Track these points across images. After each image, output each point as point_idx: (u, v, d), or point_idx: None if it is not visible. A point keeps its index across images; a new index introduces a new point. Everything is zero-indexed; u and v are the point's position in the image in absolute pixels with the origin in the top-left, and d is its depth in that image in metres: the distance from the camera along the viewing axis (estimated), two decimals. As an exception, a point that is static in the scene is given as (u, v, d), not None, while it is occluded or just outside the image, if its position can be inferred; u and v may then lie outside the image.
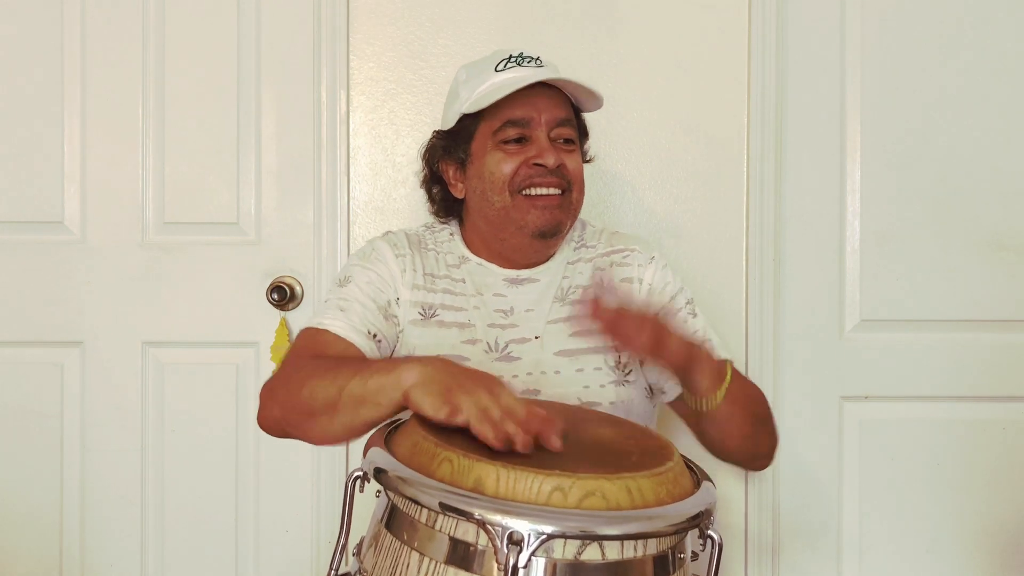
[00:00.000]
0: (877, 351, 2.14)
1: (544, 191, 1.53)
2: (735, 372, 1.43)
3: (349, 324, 1.48)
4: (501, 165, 1.53)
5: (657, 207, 2.13)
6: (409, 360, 1.25)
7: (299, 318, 2.13)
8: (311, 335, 1.49)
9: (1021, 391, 2.13)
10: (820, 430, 2.14)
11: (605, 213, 2.12)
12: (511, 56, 1.57)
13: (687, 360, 1.33)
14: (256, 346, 2.15)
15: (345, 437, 1.32)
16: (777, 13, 2.10)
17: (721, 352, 1.60)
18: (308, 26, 2.13)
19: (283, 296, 2.09)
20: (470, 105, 1.55)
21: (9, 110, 2.14)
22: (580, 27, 2.12)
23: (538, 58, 1.58)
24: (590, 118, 2.08)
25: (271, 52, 2.14)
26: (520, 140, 1.54)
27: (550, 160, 1.51)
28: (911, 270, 2.12)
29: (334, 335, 1.47)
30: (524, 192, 1.53)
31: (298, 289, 2.13)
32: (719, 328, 1.99)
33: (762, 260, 2.11)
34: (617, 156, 2.12)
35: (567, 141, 1.57)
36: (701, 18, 2.13)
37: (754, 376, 2.10)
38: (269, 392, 1.42)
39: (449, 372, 1.20)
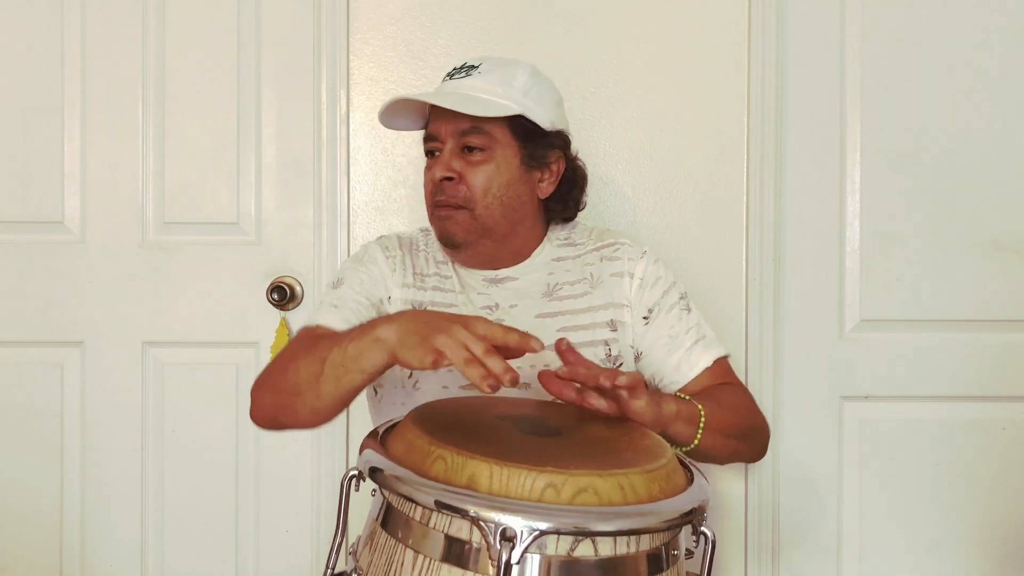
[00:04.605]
0: (877, 351, 2.13)
1: (439, 205, 1.58)
2: (710, 408, 1.43)
3: (343, 318, 1.51)
4: (425, 180, 1.61)
5: (657, 207, 2.13)
6: (380, 320, 1.29)
7: (299, 318, 2.13)
8: (305, 332, 1.53)
9: (1021, 391, 2.13)
10: (820, 430, 2.14)
11: (605, 213, 2.12)
12: (455, 67, 1.61)
13: (656, 422, 1.32)
14: (256, 346, 2.15)
15: (333, 409, 1.35)
16: (777, 13, 2.10)
17: (715, 348, 1.62)
18: (308, 26, 2.14)
19: (283, 296, 2.09)
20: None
21: (9, 110, 2.15)
22: (580, 27, 2.12)
23: (477, 65, 1.59)
24: (588, 117, 2.10)
25: (271, 52, 2.15)
26: (434, 152, 1.59)
27: (436, 174, 1.56)
28: (911, 270, 2.12)
29: (327, 328, 1.49)
30: (434, 207, 1.59)
31: (298, 289, 2.13)
32: (719, 329, 1.98)
33: (762, 260, 2.11)
34: (616, 156, 2.12)
35: (471, 149, 1.56)
36: (701, 18, 2.13)
37: (754, 376, 2.10)
38: (259, 384, 1.47)
39: (423, 321, 1.24)
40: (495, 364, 1.14)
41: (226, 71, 2.15)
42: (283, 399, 1.39)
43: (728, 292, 2.13)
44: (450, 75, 1.60)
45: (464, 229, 1.56)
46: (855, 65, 2.13)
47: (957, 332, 2.13)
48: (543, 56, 2.07)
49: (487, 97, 1.55)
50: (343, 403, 1.35)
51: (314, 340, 1.39)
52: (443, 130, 1.56)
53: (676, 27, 2.12)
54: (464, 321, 1.20)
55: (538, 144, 1.60)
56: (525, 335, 1.19)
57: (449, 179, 1.55)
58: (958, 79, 2.12)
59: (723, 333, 2.04)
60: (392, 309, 1.59)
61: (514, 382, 1.13)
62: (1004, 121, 2.12)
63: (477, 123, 1.54)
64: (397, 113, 1.60)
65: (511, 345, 1.18)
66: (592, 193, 2.08)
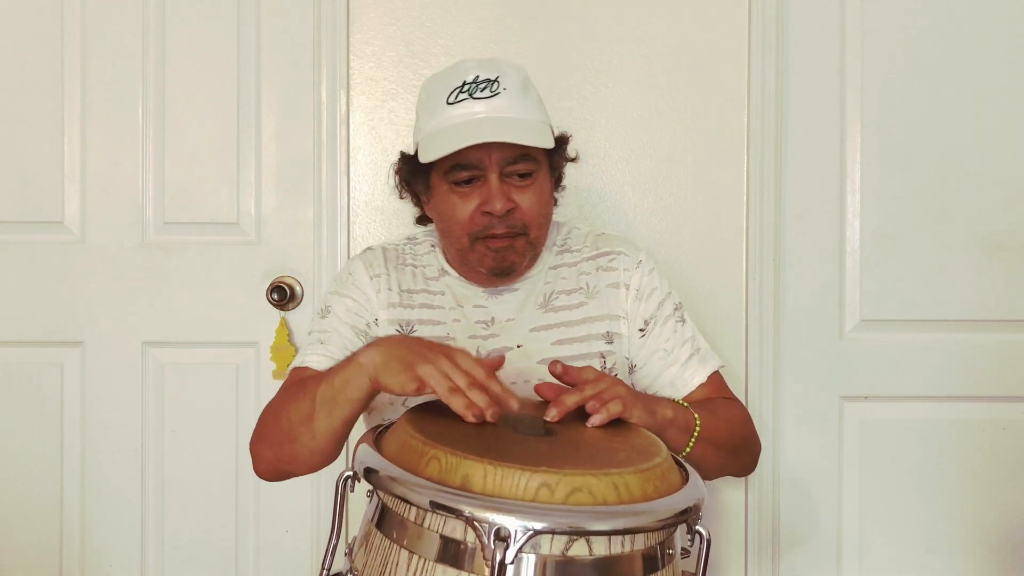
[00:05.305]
0: (877, 351, 2.13)
1: (496, 237, 1.49)
2: (706, 417, 1.43)
3: (327, 355, 1.52)
4: (456, 210, 1.50)
5: (657, 207, 2.13)
6: (363, 347, 1.33)
7: (299, 318, 2.13)
8: (294, 375, 1.54)
9: (1021, 391, 2.12)
10: (820, 430, 2.13)
11: (605, 214, 2.12)
12: (464, 83, 1.48)
13: (652, 429, 1.32)
14: (256, 346, 2.15)
15: (332, 445, 1.39)
16: (777, 13, 2.10)
17: (710, 361, 1.62)
18: (308, 26, 2.14)
19: (283, 296, 2.09)
20: (420, 150, 1.51)
21: (9, 110, 2.15)
22: (579, 27, 2.12)
23: (496, 79, 1.48)
24: (588, 117, 2.10)
25: (271, 52, 2.15)
26: (471, 180, 1.48)
27: (497, 206, 1.46)
28: (911, 270, 2.12)
29: (314, 371, 1.51)
30: (481, 239, 1.50)
31: (298, 289, 2.13)
32: (719, 329, 1.99)
33: (762, 260, 2.10)
34: (616, 156, 2.12)
35: (522, 176, 1.50)
36: (701, 18, 2.12)
37: (754, 377, 2.10)
38: (256, 439, 1.49)
39: (407, 347, 1.27)
40: (478, 397, 1.18)
41: (226, 71, 2.15)
42: (281, 448, 1.42)
43: (728, 292, 2.13)
44: (470, 93, 1.47)
45: (521, 256, 1.53)
46: (855, 65, 2.12)
47: (957, 332, 2.13)
48: (544, 56, 2.08)
49: (529, 118, 1.49)
50: (339, 438, 1.38)
51: (302, 382, 1.43)
52: (487, 159, 1.46)
53: (676, 27, 2.12)
54: (448, 352, 1.25)
55: (559, 154, 1.59)
56: (506, 391, 1.23)
57: (510, 210, 1.48)
58: (958, 79, 2.12)
59: (723, 334, 2.06)
60: (380, 331, 1.58)
61: (495, 417, 1.18)
62: (1004, 121, 2.12)
63: (525, 150, 1.48)
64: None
65: (491, 392, 1.21)
66: (592, 193, 2.09)
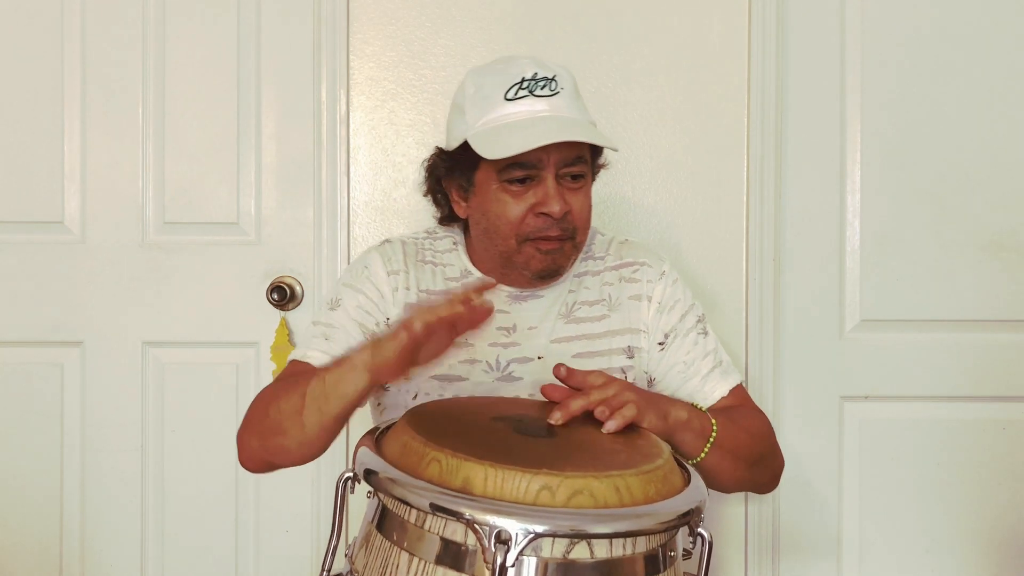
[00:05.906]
0: (877, 351, 2.13)
1: (548, 239, 1.45)
2: (723, 424, 1.40)
3: (330, 354, 1.46)
4: (507, 209, 1.45)
5: (657, 207, 2.12)
6: (357, 349, 1.28)
7: (299, 318, 2.13)
8: (292, 367, 1.50)
9: (1021, 391, 2.12)
10: (820, 430, 2.14)
11: (605, 213, 2.11)
12: (523, 80, 1.43)
13: (663, 432, 1.30)
14: (256, 346, 2.15)
15: (320, 439, 1.34)
16: (777, 13, 2.10)
17: (732, 375, 1.58)
18: (308, 26, 2.13)
19: (283, 296, 2.09)
20: (477, 146, 1.43)
21: (9, 110, 2.15)
22: (580, 27, 2.12)
23: (553, 78, 1.45)
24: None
25: (271, 52, 2.15)
26: (525, 180, 1.44)
27: (555, 208, 1.42)
28: (911, 270, 2.12)
29: (313, 368, 1.46)
30: (531, 240, 1.45)
31: (298, 289, 2.13)
32: (719, 329, 1.98)
33: (762, 260, 2.10)
34: (616, 156, 2.09)
35: (576, 178, 1.47)
36: (701, 18, 2.12)
37: (754, 376, 2.10)
38: (243, 429, 1.45)
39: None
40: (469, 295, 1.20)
41: (226, 71, 2.15)
42: (270, 440, 1.38)
43: (728, 292, 2.12)
44: (530, 90, 1.43)
45: (568, 259, 1.50)
46: (855, 65, 2.12)
47: (957, 332, 2.13)
48: (544, 57, 2.07)
49: (585, 119, 1.47)
50: (330, 432, 1.33)
51: (295, 376, 1.40)
52: (545, 159, 1.41)
53: (676, 27, 2.12)
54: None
55: (598, 155, 1.56)
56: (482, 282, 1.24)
57: (566, 212, 1.44)
58: (958, 79, 2.12)
59: (723, 334, 2.05)
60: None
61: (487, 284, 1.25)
62: (1004, 121, 2.12)
63: (580, 152, 1.46)
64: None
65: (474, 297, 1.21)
66: (594, 193, 2.08)
